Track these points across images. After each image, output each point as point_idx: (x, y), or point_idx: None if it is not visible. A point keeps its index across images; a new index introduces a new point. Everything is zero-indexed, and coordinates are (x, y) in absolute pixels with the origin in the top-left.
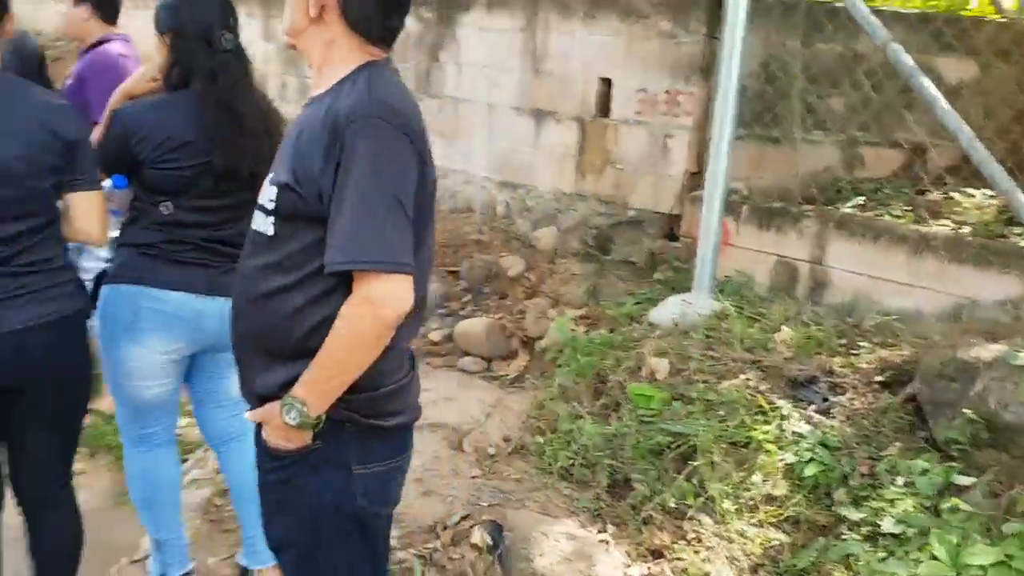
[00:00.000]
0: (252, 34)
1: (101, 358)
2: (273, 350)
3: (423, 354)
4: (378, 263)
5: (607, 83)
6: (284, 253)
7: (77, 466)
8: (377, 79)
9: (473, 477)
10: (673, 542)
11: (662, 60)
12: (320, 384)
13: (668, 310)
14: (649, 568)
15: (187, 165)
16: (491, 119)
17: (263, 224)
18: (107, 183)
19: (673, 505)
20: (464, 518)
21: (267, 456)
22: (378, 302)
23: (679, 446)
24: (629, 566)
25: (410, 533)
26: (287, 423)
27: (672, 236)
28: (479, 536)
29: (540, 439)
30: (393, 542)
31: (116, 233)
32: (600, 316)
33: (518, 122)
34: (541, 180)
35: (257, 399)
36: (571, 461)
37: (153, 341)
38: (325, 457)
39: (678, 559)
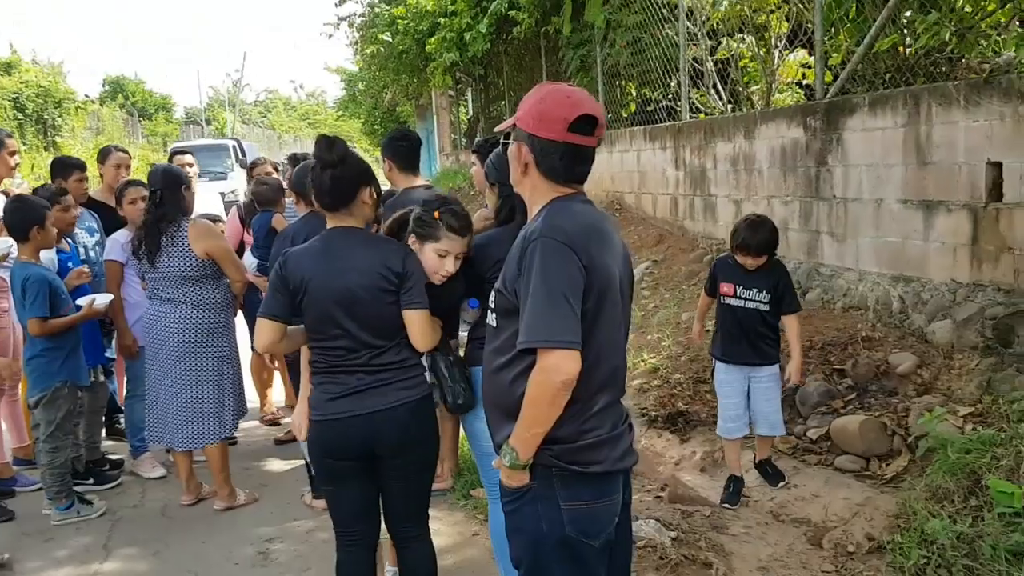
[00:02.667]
0: (665, 161)
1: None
2: (502, 411)
3: (800, 451)
4: (546, 342)
5: (996, 167)
6: (502, 340)
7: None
8: (557, 209)
9: (824, 572)
10: None
11: None
12: (522, 434)
13: None
14: None
15: None
16: (878, 215)
17: (491, 319)
18: (465, 305)
19: None
20: None
21: (504, 493)
22: (549, 370)
23: None
24: None
25: None
26: (505, 465)
27: None
28: None
29: (899, 539)
30: None
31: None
32: (992, 413)
33: (906, 215)
34: (934, 272)
35: (497, 448)
36: (925, 561)
37: None
38: (539, 494)
39: None
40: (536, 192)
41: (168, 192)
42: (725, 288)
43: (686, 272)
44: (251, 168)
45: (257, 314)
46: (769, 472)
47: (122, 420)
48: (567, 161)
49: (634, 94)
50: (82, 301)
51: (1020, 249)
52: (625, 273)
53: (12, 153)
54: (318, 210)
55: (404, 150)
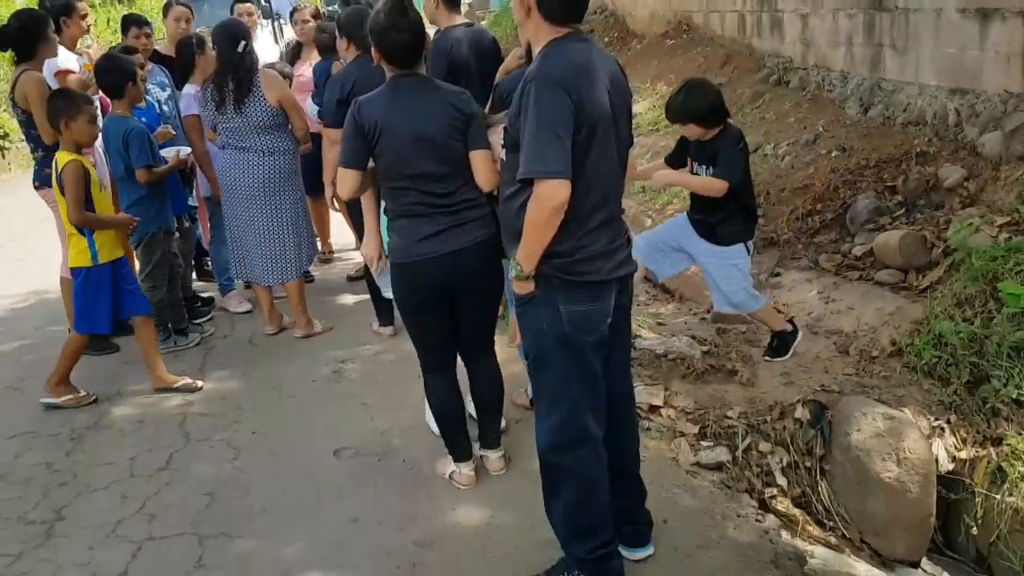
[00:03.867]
0: None
1: None
2: (512, 233)
3: (845, 268)
4: (538, 172)
5: None
6: (509, 172)
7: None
8: (552, 51)
9: (845, 375)
10: (1019, 432)
11: None
12: (524, 251)
13: None
14: (976, 451)
15: None
16: (938, 25)
17: (504, 154)
18: None
19: (1018, 397)
20: (799, 401)
21: (517, 300)
22: (542, 197)
23: None
24: (960, 449)
25: (752, 411)
26: (512, 277)
27: None
28: (801, 412)
29: (917, 341)
30: (731, 414)
31: None
32: None
33: (964, 25)
34: (988, 83)
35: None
36: (936, 360)
37: None
38: (542, 299)
39: (1012, 448)
40: (538, 33)
41: (232, 45)
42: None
43: (751, 95)
44: (292, 14)
45: (339, 164)
46: (773, 344)
47: (209, 263)
48: (563, 1)
49: None
50: (168, 153)
51: None
52: (620, 103)
53: (83, 16)
54: (366, 55)
55: None
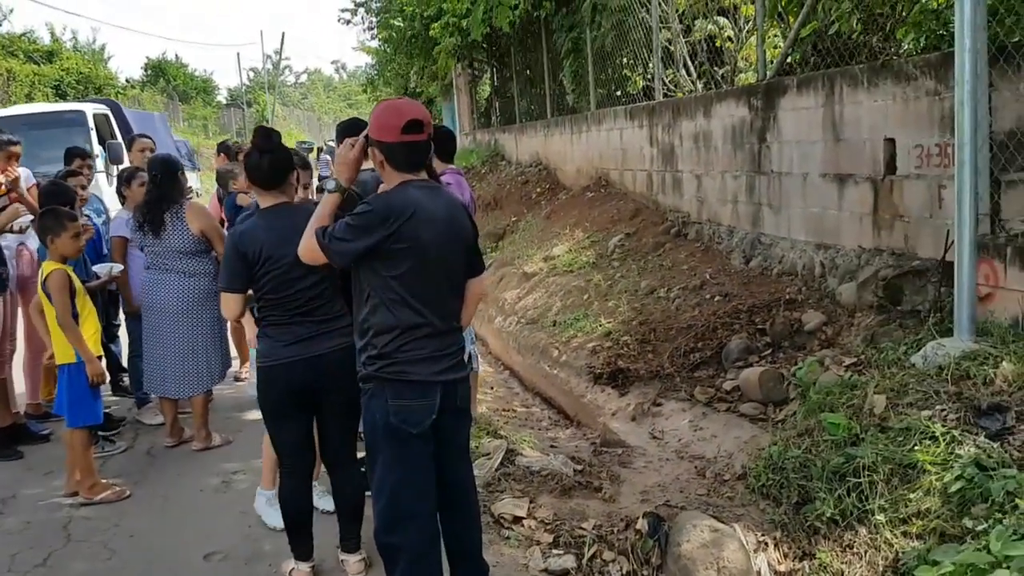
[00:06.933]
0: (642, 139)
1: None
2: None
3: (716, 400)
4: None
5: (892, 143)
6: None
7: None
8: (396, 191)
9: (698, 495)
10: (832, 549)
11: (931, 116)
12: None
13: (923, 353)
14: (793, 565)
15: None
16: (805, 188)
17: None
18: None
19: (832, 516)
20: (644, 515)
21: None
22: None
23: (855, 468)
24: (780, 563)
25: (606, 524)
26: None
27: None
28: (641, 524)
29: (760, 465)
30: (586, 525)
31: None
32: (869, 362)
33: (825, 188)
34: (846, 239)
35: None
36: (771, 482)
37: None
38: (373, 393)
39: (820, 562)
40: (390, 179)
41: (166, 177)
42: None
43: (653, 244)
44: (130, 144)
45: (220, 290)
46: None
47: (126, 379)
48: (405, 155)
49: (626, 75)
50: (100, 269)
51: (910, 217)
52: (445, 242)
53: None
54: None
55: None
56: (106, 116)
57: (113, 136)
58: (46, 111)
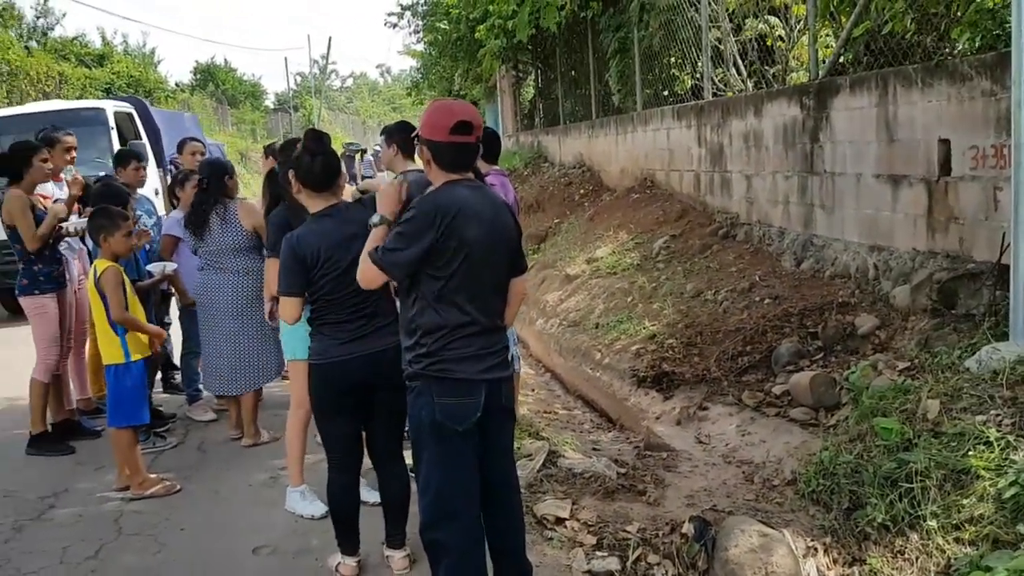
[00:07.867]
0: (689, 139)
1: None
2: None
3: (765, 404)
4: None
5: (946, 144)
6: None
7: None
8: (443, 190)
9: (746, 500)
10: (882, 555)
11: (986, 117)
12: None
13: (978, 358)
14: (843, 570)
15: None
16: (858, 189)
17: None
18: None
19: (883, 522)
20: (690, 519)
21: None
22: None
23: (907, 474)
24: (830, 568)
25: (651, 527)
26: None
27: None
28: (688, 528)
29: (810, 470)
30: (630, 528)
31: None
32: (923, 367)
33: (879, 189)
34: (900, 241)
35: None
36: (822, 487)
37: None
38: (420, 391)
39: (871, 567)
40: (436, 178)
41: (214, 180)
42: None
43: (700, 246)
44: (180, 147)
45: (280, 294)
46: None
47: (177, 376)
48: (452, 156)
49: (674, 74)
50: (154, 268)
51: (964, 219)
52: (490, 241)
53: (68, 149)
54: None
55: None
56: (129, 115)
57: (137, 136)
58: (63, 108)
